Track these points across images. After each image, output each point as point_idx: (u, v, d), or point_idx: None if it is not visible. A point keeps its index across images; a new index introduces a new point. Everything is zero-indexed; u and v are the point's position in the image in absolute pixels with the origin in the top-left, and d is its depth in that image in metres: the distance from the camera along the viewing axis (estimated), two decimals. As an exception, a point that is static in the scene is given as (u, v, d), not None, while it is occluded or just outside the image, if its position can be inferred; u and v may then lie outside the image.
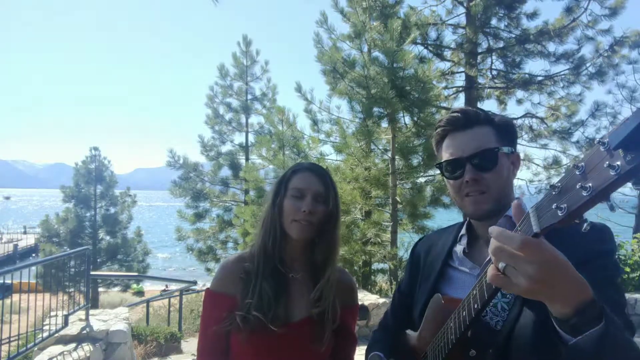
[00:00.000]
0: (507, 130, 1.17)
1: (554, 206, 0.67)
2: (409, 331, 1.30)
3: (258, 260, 1.35)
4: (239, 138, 16.09)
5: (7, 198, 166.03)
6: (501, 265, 0.74)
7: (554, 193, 0.69)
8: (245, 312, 1.27)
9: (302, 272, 1.39)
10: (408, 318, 1.32)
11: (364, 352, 1.42)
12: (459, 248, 1.23)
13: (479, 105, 10.03)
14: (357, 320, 1.54)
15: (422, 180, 9.37)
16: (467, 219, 1.25)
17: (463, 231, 1.24)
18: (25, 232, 37.96)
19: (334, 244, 1.37)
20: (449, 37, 10.28)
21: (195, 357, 1.44)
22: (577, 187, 0.63)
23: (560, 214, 0.66)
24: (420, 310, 1.23)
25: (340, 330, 1.42)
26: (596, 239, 1.03)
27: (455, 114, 1.18)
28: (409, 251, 1.55)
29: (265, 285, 1.30)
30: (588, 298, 0.74)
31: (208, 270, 14.33)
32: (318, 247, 1.35)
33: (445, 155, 1.18)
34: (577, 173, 0.64)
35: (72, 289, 5.63)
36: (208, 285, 1.46)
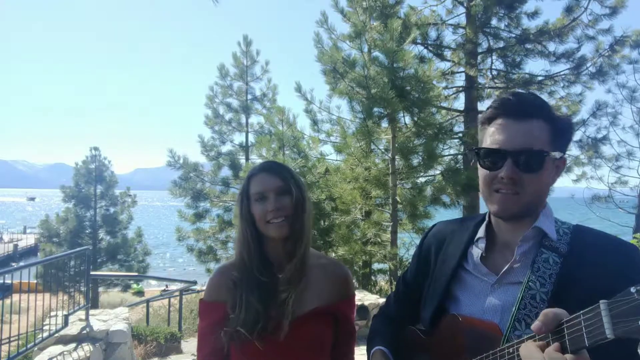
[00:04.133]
0: (564, 133, 1.06)
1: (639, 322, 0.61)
2: (414, 329, 1.26)
3: (241, 273, 1.36)
4: (239, 138, 16.08)
5: (32, 199, 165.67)
6: None
7: (638, 299, 0.62)
8: (232, 329, 1.28)
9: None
10: (412, 311, 1.28)
11: (363, 351, 1.41)
12: (475, 252, 1.15)
13: (479, 105, 10.03)
14: (355, 312, 1.53)
15: (422, 180, 9.37)
16: (486, 218, 1.17)
17: (481, 233, 1.15)
18: (25, 232, 38.01)
19: (302, 230, 1.36)
20: (449, 37, 10.28)
21: (195, 358, 1.45)
22: None
23: None
24: (432, 313, 1.18)
25: (339, 322, 1.42)
26: (624, 264, 0.96)
27: (512, 97, 1.05)
28: (412, 247, 1.51)
29: (251, 298, 1.30)
30: None
31: (208, 270, 14.32)
32: (290, 235, 1.35)
33: (487, 141, 1.06)
34: None
35: (72, 289, 5.63)
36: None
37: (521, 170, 1.00)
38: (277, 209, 1.31)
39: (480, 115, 1.13)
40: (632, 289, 0.63)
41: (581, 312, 0.71)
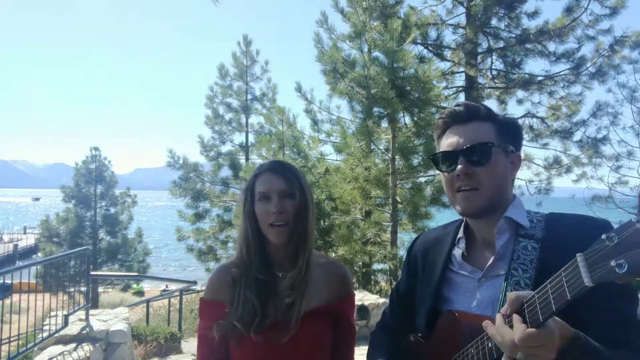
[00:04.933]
0: (509, 129, 1.14)
1: (612, 262, 0.64)
2: (413, 336, 1.27)
3: (240, 270, 1.36)
4: (239, 138, 16.09)
5: (37, 199, 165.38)
6: (519, 355, 0.80)
7: (609, 245, 0.66)
8: (228, 323, 1.29)
9: (292, 270, 1.39)
10: (408, 320, 1.31)
11: (364, 352, 1.41)
12: (457, 252, 1.20)
13: (479, 105, 10.02)
14: (355, 312, 1.53)
15: (422, 180, 9.37)
16: (464, 219, 1.22)
17: (461, 233, 1.21)
18: (25, 232, 38.00)
19: (305, 235, 1.35)
20: (449, 37, 10.29)
21: (195, 358, 1.45)
22: None
23: (619, 272, 0.63)
24: (426, 318, 1.20)
25: (339, 321, 1.42)
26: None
27: (457, 107, 1.16)
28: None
29: (249, 295, 1.30)
30: (570, 336, 0.81)
31: (208, 270, 14.32)
32: (291, 240, 1.34)
33: (442, 148, 1.17)
34: None
35: (72, 289, 5.63)
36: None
37: (473, 165, 1.09)
38: (279, 212, 1.30)
39: (433, 131, 1.24)
40: (603, 236, 0.67)
41: (561, 269, 0.75)
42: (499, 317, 0.86)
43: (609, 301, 0.93)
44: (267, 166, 1.38)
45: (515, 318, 0.81)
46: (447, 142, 1.15)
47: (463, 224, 1.22)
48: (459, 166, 1.09)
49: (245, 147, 15.74)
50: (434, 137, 1.24)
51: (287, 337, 1.27)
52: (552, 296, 0.75)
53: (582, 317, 0.92)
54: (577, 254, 0.71)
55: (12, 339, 4.84)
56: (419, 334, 1.25)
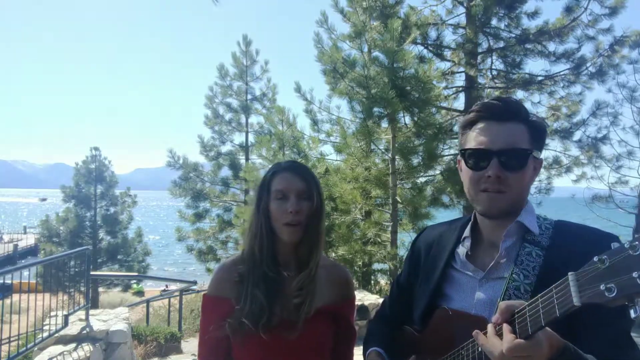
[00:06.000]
0: (540, 133, 1.11)
1: (602, 286, 0.65)
2: (408, 329, 1.29)
3: (249, 266, 1.36)
4: (239, 138, 16.11)
5: (44, 199, 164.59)
6: None
7: (601, 267, 0.66)
8: (236, 319, 1.28)
9: (297, 270, 1.39)
10: (406, 312, 1.31)
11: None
12: (461, 250, 1.19)
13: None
14: (355, 315, 1.53)
15: (422, 180, 9.37)
16: (471, 218, 1.21)
17: (467, 233, 1.19)
18: (25, 232, 37.98)
19: (317, 238, 1.36)
20: (449, 37, 10.27)
21: (196, 358, 1.45)
22: (634, 274, 0.61)
23: (608, 296, 0.64)
24: (422, 313, 1.21)
25: (340, 323, 1.42)
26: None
27: (495, 102, 1.10)
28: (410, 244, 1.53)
29: (257, 292, 1.30)
30: (559, 347, 0.81)
31: (208, 270, 14.33)
32: (302, 242, 1.35)
33: (471, 143, 1.10)
34: (632, 254, 0.62)
35: (72, 289, 5.63)
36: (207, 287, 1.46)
37: (506, 169, 1.05)
38: (296, 212, 1.30)
39: (461, 120, 1.18)
40: (595, 259, 0.67)
41: (553, 285, 0.76)
42: (490, 327, 0.86)
43: (609, 317, 0.93)
44: (285, 165, 1.38)
45: (505, 328, 0.82)
46: (480, 138, 1.08)
47: (470, 223, 1.20)
48: (492, 169, 1.04)
49: (245, 147, 15.74)
50: (459, 126, 1.18)
51: (295, 336, 1.28)
52: (542, 311, 0.76)
53: (580, 329, 0.93)
54: (569, 273, 0.72)
55: (12, 339, 4.84)
56: (414, 327, 1.26)
